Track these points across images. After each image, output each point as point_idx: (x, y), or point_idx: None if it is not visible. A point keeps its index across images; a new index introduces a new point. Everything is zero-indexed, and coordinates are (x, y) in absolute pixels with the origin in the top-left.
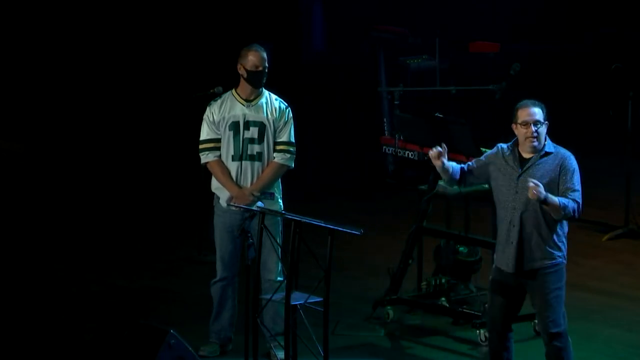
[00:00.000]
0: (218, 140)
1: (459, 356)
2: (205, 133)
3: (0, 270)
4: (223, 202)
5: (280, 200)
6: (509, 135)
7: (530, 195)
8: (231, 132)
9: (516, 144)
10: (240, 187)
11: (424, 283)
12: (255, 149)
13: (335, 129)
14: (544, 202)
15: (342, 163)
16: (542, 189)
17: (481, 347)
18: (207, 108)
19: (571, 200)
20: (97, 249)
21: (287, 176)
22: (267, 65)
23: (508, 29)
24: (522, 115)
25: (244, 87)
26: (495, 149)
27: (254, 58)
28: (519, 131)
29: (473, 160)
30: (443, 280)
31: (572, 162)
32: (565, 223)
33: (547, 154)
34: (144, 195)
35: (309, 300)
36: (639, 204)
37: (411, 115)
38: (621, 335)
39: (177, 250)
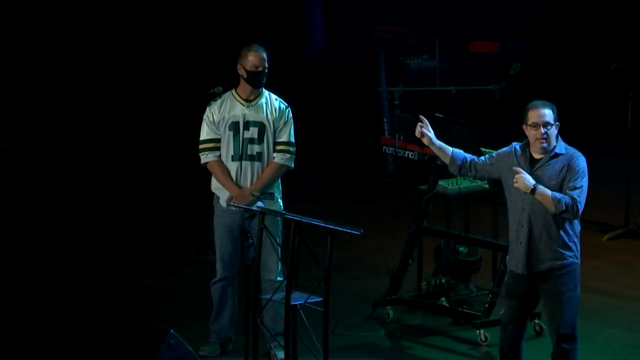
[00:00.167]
0: (218, 141)
1: (459, 356)
2: (205, 133)
3: (0, 270)
4: (223, 202)
5: (280, 200)
6: (509, 136)
7: (515, 183)
8: (231, 132)
9: (527, 145)
10: (240, 187)
11: (424, 283)
12: (255, 149)
13: (335, 129)
14: (533, 192)
15: (342, 163)
16: (527, 176)
17: (481, 347)
18: (207, 108)
19: (568, 196)
20: (97, 249)
21: (287, 176)
22: (267, 65)
23: (508, 29)
24: (532, 116)
25: (244, 87)
26: (509, 147)
27: (253, 58)
28: (529, 132)
29: (486, 156)
30: (443, 280)
31: (580, 162)
32: (576, 223)
33: (557, 155)
34: (144, 195)
35: (309, 300)
36: (639, 204)
37: (411, 115)
38: (621, 335)
39: (177, 250)
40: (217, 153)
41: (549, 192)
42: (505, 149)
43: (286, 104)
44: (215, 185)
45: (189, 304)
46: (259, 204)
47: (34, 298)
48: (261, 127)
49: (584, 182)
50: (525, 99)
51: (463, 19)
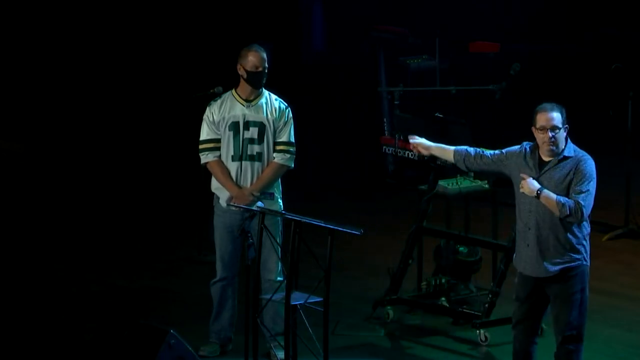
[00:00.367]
0: (218, 141)
1: (459, 356)
2: (205, 133)
3: (0, 270)
4: (223, 202)
5: (280, 200)
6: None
7: (521, 189)
8: (231, 133)
9: (537, 146)
10: (240, 187)
11: (424, 283)
12: (255, 149)
13: (335, 129)
14: (537, 197)
15: (342, 163)
16: (532, 181)
17: (481, 347)
18: (207, 108)
19: (573, 200)
20: (97, 249)
21: (287, 176)
22: (267, 65)
23: (508, 29)
24: (540, 120)
25: (244, 87)
26: (520, 147)
27: (253, 59)
28: (537, 135)
29: (495, 151)
30: (443, 280)
31: (587, 165)
32: (585, 224)
33: (566, 158)
34: (144, 195)
35: (309, 300)
36: (639, 204)
37: (411, 115)
38: (621, 335)
39: (177, 250)
40: (217, 153)
41: (553, 196)
42: (515, 147)
43: (286, 104)
44: (215, 185)
45: (189, 304)
46: (259, 204)
47: (34, 298)
48: (261, 127)
49: (590, 186)
50: (526, 99)
51: (463, 19)
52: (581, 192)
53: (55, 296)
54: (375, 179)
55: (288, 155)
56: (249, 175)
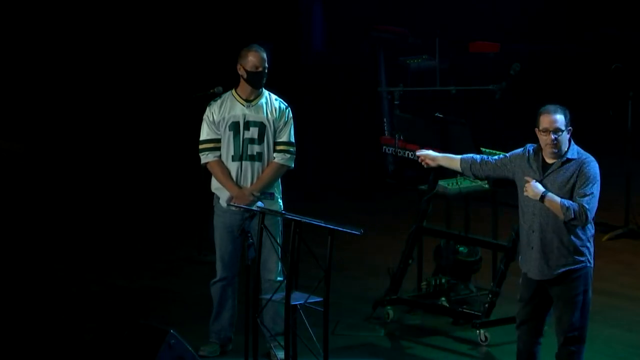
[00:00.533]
0: (218, 141)
1: (459, 356)
2: (205, 133)
3: (0, 270)
4: (223, 202)
5: (280, 200)
6: (509, 136)
7: (525, 192)
8: (231, 133)
9: (540, 148)
10: (240, 187)
11: (424, 283)
12: (255, 149)
13: (335, 129)
14: (542, 200)
15: (342, 163)
16: (536, 184)
17: (481, 347)
18: (207, 108)
19: (577, 203)
20: (97, 249)
21: (287, 176)
22: (267, 65)
23: (508, 29)
24: (543, 122)
25: (244, 87)
26: (522, 149)
27: (253, 59)
28: (540, 137)
29: (499, 156)
30: (443, 280)
31: (591, 168)
32: (589, 227)
33: (569, 160)
34: (144, 195)
35: (309, 300)
36: (639, 204)
37: (411, 115)
38: (621, 335)
39: (177, 250)
40: (217, 153)
41: (557, 199)
42: (518, 150)
43: (286, 104)
44: (215, 185)
45: (189, 304)
46: (259, 204)
47: (34, 298)
48: (261, 127)
49: (594, 188)
50: (526, 99)
51: (463, 19)
52: (585, 195)
53: (55, 296)
54: (375, 179)
55: (288, 155)
56: (249, 175)
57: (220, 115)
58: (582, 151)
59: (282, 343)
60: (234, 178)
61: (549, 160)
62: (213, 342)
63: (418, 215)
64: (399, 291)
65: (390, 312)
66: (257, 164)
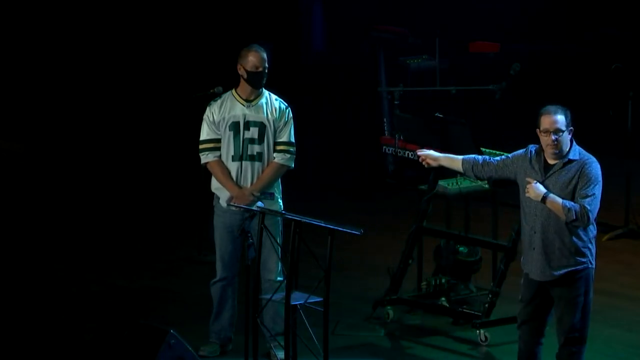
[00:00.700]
0: (218, 141)
1: (459, 356)
2: (205, 133)
3: (0, 270)
4: (223, 202)
5: (280, 200)
6: (509, 136)
7: (527, 193)
8: (231, 133)
9: (542, 149)
10: (240, 187)
11: (424, 283)
12: (255, 149)
13: (335, 129)
14: (543, 201)
15: (342, 163)
16: (537, 186)
17: (481, 347)
18: (207, 108)
19: (578, 204)
20: (97, 249)
21: (287, 176)
22: (267, 65)
23: (508, 29)
24: (543, 122)
25: (244, 87)
26: (524, 150)
27: (254, 59)
28: (541, 138)
29: (501, 157)
30: (443, 280)
31: (592, 168)
32: (591, 228)
33: (571, 161)
34: (144, 195)
35: (309, 300)
36: (639, 204)
37: (411, 115)
38: (621, 335)
39: (177, 250)
40: (217, 153)
41: (559, 200)
42: (521, 151)
43: (286, 104)
44: (215, 185)
45: (189, 304)
46: (259, 204)
47: (34, 298)
48: (261, 127)
49: (596, 189)
50: (526, 99)
51: (463, 19)
52: (587, 196)
53: (55, 296)
54: (375, 179)
55: (288, 155)
56: (249, 175)
57: (220, 115)
58: (583, 152)
59: (282, 343)
60: (234, 178)
61: (551, 161)
62: (213, 342)
63: (418, 215)
64: (399, 291)
65: (390, 312)
66: (257, 164)
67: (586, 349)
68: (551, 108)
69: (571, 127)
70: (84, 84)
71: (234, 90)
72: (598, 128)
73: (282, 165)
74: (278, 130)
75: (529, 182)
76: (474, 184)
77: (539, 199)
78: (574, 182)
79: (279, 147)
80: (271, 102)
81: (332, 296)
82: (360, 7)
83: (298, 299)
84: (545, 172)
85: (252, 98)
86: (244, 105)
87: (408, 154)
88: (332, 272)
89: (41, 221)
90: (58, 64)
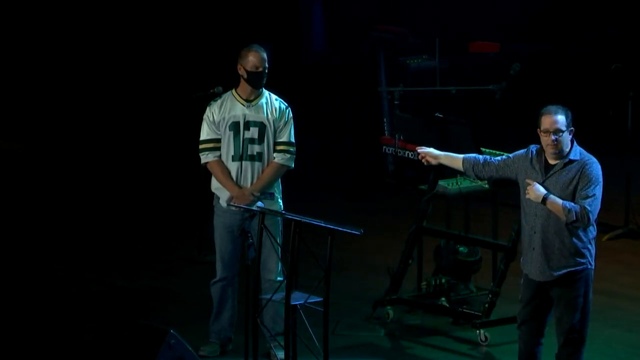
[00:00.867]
0: (218, 141)
1: (459, 356)
2: (205, 133)
3: (0, 270)
4: (223, 202)
5: (280, 200)
6: (509, 136)
7: (527, 195)
8: (231, 133)
9: (543, 149)
10: (240, 187)
11: (424, 283)
12: (255, 149)
13: (335, 129)
14: (544, 202)
15: (342, 163)
16: (538, 187)
17: (481, 347)
18: (207, 108)
19: (579, 205)
20: (97, 249)
21: (287, 176)
22: (267, 65)
23: (508, 29)
24: (544, 122)
25: (244, 87)
26: (526, 150)
27: (254, 59)
28: (541, 138)
29: (502, 157)
30: (443, 280)
31: (592, 169)
32: (591, 229)
33: (572, 161)
34: (144, 195)
35: (309, 300)
36: (639, 204)
37: (411, 115)
38: (621, 335)
39: (177, 250)
40: (217, 153)
41: (559, 201)
42: (522, 151)
43: (286, 104)
44: (215, 185)
45: (189, 304)
46: (259, 204)
47: (34, 298)
48: (261, 127)
49: (596, 190)
50: (526, 99)
51: (463, 19)
52: (587, 197)
53: (55, 296)
54: (375, 179)
55: (288, 155)
56: (249, 175)
57: (220, 115)
58: (584, 152)
59: (282, 343)
60: (234, 178)
61: (552, 162)
62: (213, 342)
63: (418, 215)
64: (399, 291)
65: (390, 312)
66: (257, 164)
67: (586, 349)
68: (551, 108)
69: (572, 128)
70: (84, 84)
71: (234, 90)
72: (598, 128)
73: (282, 165)
74: (278, 130)
75: (529, 184)
76: (474, 184)
77: (539, 200)
78: (574, 182)
79: (279, 147)
80: (271, 102)
81: (332, 296)
82: (360, 7)
83: (298, 299)
84: (545, 172)
85: (252, 98)
86: (244, 105)
87: (408, 154)
88: (332, 272)
89: (41, 221)
90: (58, 64)
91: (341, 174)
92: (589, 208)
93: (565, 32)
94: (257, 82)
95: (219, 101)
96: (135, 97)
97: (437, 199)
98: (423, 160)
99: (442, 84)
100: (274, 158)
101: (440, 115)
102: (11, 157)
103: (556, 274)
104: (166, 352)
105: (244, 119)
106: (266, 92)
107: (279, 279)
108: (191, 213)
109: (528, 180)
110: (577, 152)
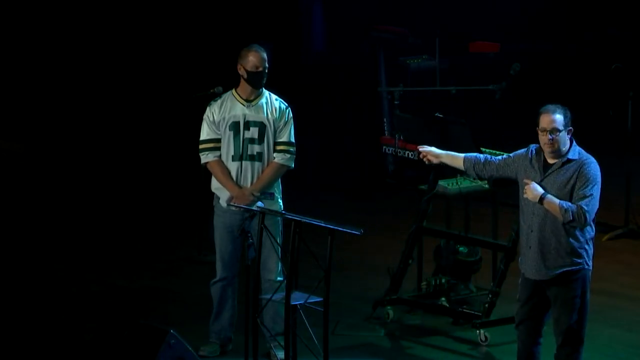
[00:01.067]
0: (218, 141)
1: (459, 356)
2: (205, 133)
3: (0, 270)
4: (223, 202)
5: (280, 200)
6: (509, 136)
7: (524, 194)
8: (231, 132)
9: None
10: (240, 187)
11: (424, 283)
12: (255, 149)
13: (335, 129)
14: (541, 202)
15: (342, 163)
16: (535, 186)
17: (481, 347)
18: (207, 108)
19: (576, 205)
20: (97, 249)
21: (287, 176)
22: (267, 65)
23: (508, 29)
24: (542, 121)
25: (244, 87)
26: (526, 149)
27: (254, 59)
28: (540, 136)
29: (503, 156)
30: (443, 280)
31: (591, 169)
32: (588, 229)
33: (570, 160)
34: (144, 195)
35: (309, 300)
36: (639, 204)
37: (411, 115)
38: (621, 335)
39: (177, 250)
40: (218, 153)
41: (556, 201)
42: (522, 150)
43: (286, 104)
44: (215, 185)
45: (189, 304)
46: (259, 204)
47: (34, 298)
48: (261, 127)
49: (594, 190)
50: (526, 99)
51: (463, 19)
52: (584, 197)
53: (55, 296)
54: (375, 179)
55: (288, 155)
56: (249, 175)
57: (220, 115)
58: (583, 152)
59: (282, 343)
60: (234, 178)
61: (550, 161)
62: (213, 342)
63: (418, 215)
64: (399, 291)
65: (390, 312)
66: (257, 164)
67: (586, 349)
68: (550, 107)
69: (570, 127)
70: (84, 84)
71: (234, 90)
72: (598, 128)
73: (282, 165)
74: (278, 130)
75: (527, 183)
76: (474, 184)
77: (537, 200)
78: (572, 182)
79: (279, 147)
80: (271, 102)
81: (332, 296)
82: (360, 7)
83: (298, 299)
84: (544, 171)
85: (252, 98)
86: (244, 105)
87: (408, 154)
88: (332, 272)
89: (41, 221)
90: (58, 64)
91: (341, 174)
92: (586, 208)
93: (565, 32)
94: (257, 82)
95: (219, 101)
96: (136, 97)
97: (437, 199)
98: (425, 160)
99: (442, 84)
100: (274, 158)
101: (440, 115)
102: (11, 157)
103: (552, 273)
104: (166, 352)
105: (244, 119)
106: (266, 92)
107: (279, 279)
108: (191, 213)
109: (526, 180)
110: (576, 152)
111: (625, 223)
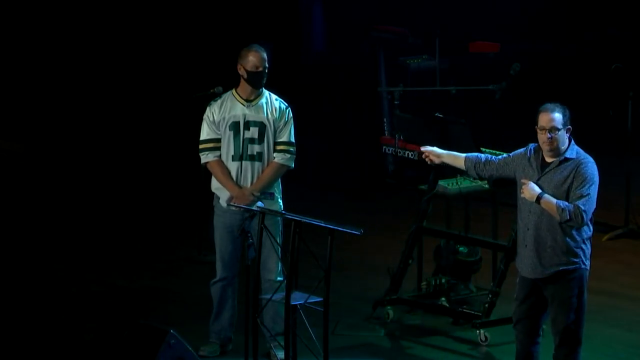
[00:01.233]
0: (218, 140)
1: (459, 356)
2: (205, 133)
3: (0, 270)
4: (223, 202)
5: (280, 200)
6: (509, 136)
7: (521, 194)
8: (231, 132)
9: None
10: (240, 187)
11: (424, 283)
12: (255, 149)
13: (335, 129)
14: (538, 201)
15: (342, 163)
16: (532, 186)
17: (481, 347)
18: (207, 108)
19: (573, 204)
20: (97, 249)
21: (287, 176)
22: (267, 65)
23: (508, 29)
24: (540, 120)
25: (244, 87)
26: (525, 148)
27: (254, 59)
28: (538, 135)
29: (503, 156)
30: (443, 280)
31: (587, 168)
32: (585, 229)
33: (567, 159)
34: (144, 195)
35: (309, 300)
36: (639, 204)
37: (411, 115)
38: (621, 335)
39: (177, 250)
40: (218, 153)
41: (553, 201)
42: (521, 149)
43: (286, 104)
44: (215, 185)
45: (189, 304)
46: (259, 204)
47: (34, 298)
48: (261, 127)
49: (591, 189)
50: (526, 99)
51: (463, 19)
52: (581, 196)
53: (55, 296)
54: (375, 179)
55: (288, 155)
56: (249, 175)
57: (220, 115)
58: (581, 152)
59: (282, 343)
60: (234, 178)
61: (548, 159)
62: (213, 342)
63: (418, 215)
64: (399, 291)
65: (390, 312)
66: (257, 163)
67: (586, 349)
68: (549, 106)
69: (569, 126)
70: (84, 84)
71: (234, 90)
72: (598, 128)
73: (282, 165)
74: (278, 130)
75: (524, 183)
76: (474, 184)
77: (534, 199)
78: (568, 181)
79: (279, 147)
80: (271, 102)
81: (332, 296)
82: (360, 7)
83: (298, 299)
84: (541, 170)
85: (252, 98)
86: (244, 105)
87: (408, 154)
88: (332, 272)
89: (41, 221)
90: (58, 63)
91: (341, 174)
92: (583, 207)
93: (565, 32)
94: (257, 82)
95: (219, 101)
96: (136, 97)
97: (437, 199)
98: (426, 159)
99: (442, 84)
100: (274, 158)
101: (440, 115)
102: (11, 157)
103: (548, 271)
104: (166, 352)
105: (244, 118)
106: (266, 92)
107: (279, 279)
108: (191, 213)
109: (523, 180)
110: (574, 151)
111: (625, 223)
